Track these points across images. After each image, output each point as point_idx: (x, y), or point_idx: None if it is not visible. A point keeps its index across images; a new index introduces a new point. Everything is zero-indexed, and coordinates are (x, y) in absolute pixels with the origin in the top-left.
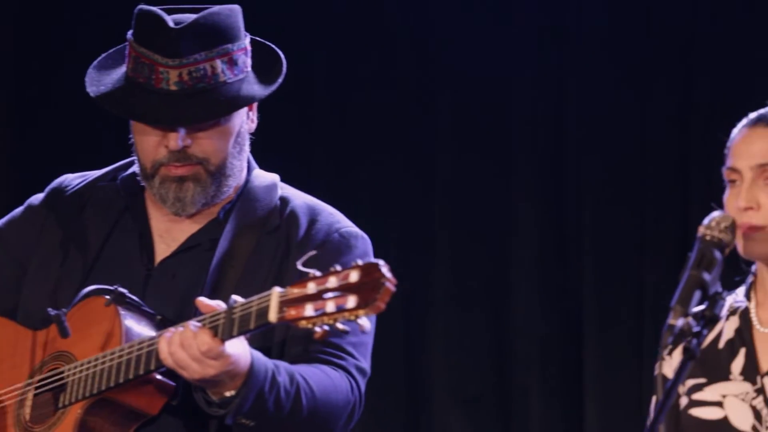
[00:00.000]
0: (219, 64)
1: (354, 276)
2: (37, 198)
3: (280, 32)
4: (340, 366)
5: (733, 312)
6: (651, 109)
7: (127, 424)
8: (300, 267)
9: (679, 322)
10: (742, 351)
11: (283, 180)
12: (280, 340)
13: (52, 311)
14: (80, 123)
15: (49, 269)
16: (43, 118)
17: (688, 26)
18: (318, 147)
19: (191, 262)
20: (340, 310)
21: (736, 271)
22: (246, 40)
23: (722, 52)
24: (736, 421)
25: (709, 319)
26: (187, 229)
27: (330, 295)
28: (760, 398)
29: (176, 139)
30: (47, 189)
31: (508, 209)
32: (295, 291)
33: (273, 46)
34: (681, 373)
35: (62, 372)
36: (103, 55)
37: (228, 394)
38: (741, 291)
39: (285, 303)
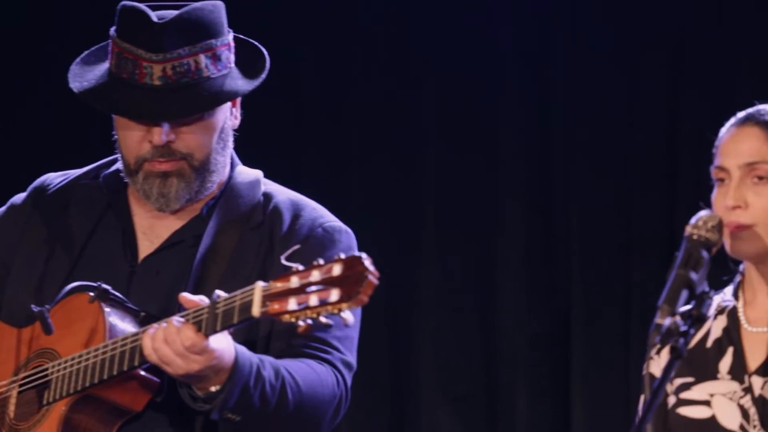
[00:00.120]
0: (203, 59)
1: (337, 269)
2: (19, 197)
3: (267, 30)
4: (325, 360)
5: (721, 311)
6: (638, 109)
7: (112, 420)
8: (283, 261)
9: (667, 322)
10: (730, 350)
11: (271, 178)
12: (265, 334)
13: (35, 308)
14: (62, 123)
15: (33, 268)
16: (25, 118)
17: (677, 26)
18: (307, 146)
19: (175, 258)
20: (324, 303)
21: (723, 271)
22: (229, 36)
23: (711, 52)
24: (723, 420)
25: (696, 319)
26: (170, 225)
27: (313, 288)
28: (748, 397)
29: (160, 134)
30: (29, 188)
31: (496, 209)
32: (279, 285)
33: (256, 43)
34: (668, 372)
35: (46, 369)
36: (86, 51)
37: (213, 389)
38: (729, 290)
39: (268, 297)
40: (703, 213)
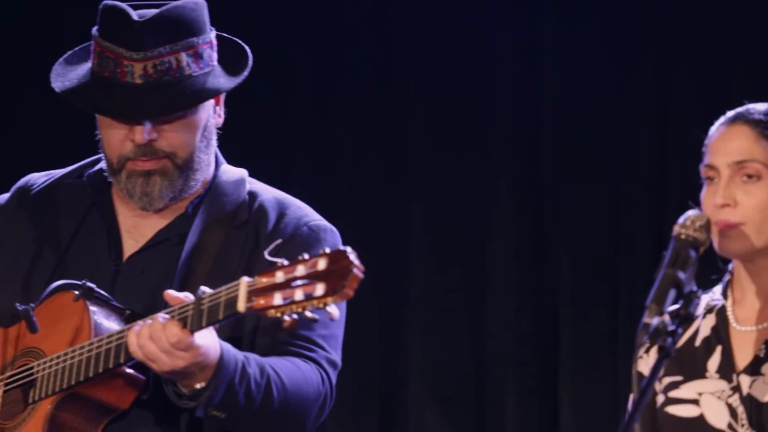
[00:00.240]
0: (184, 57)
1: (322, 264)
2: (3, 198)
3: (256, 29)
4: (310, 358)
5: (710, 310)
6: (627, 109)
7: (98, 418)
8: (267, 257)
9: (654, 321)
10: (719, 349)
11: (259, 178)
12: (251, 330)
13: (20, 306)
14: (46, 124)
15: (18, 267)
16: (8, 119)
17: (666, 25)
18: (295, 146)
19: (160, 257)
20: (309, 298)
21: (712, 270)
22: (211, 34)
23: (699, 51)
24: (712, 418)
25: (684, 318)
26: (155, 224)
27: (298, 283)
28: (736, 396)
29: (142, 133)
30: (13, 188)
31: (485, 208)
32: (264, 280)
33: (239, 41)
34: (656, 372)
35: (32, 368)
36: (70, 51)
37: (198, 386)
38: (718, 289)
39: (253, 292)
40: (691, 212)
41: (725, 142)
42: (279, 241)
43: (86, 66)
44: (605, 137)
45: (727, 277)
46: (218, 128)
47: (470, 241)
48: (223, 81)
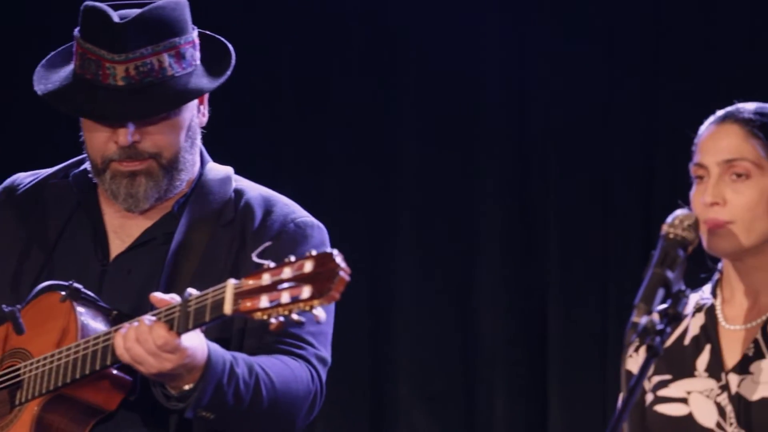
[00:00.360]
0: (166, 58)
1: (308, 266)
2: None
3: (245, 28)
4: (299, 356)
5: (699, 309)
6: (616, 108)
7: (85, 420)
8: (255, 258)
9: (643, 320)
10: (707, 348)
11: (248, 176)
12: (239, 331)
13: (6, 308)
14: (32, 124)
15: (5, 266)
16: None
17: (655, 24)
18: (284, 144)
19: (146, 256)
20: (295, 300)
21: (701, 269)
22: (194, 34)
23: (689, 50)
24: (700, 417)
25: (672, 317)
26: (141, 224)
27: (285, 285)
28: (725, 395)
29: (125, 135)
30: None
31: (474, 207)
32: (250, 282)
33: (222, 39)
34: (644, 371)
35: (19, 369)
36: (52, 53)
37: (186, 387)
38: (707, 288)
39: (240, 295)
40: (679, 212)
41: (715, 140)
42: (268, 243)
43: (69, 68)
44: (594, 136)
45: (716, 276)
46: (202, 127)
47: (459, 241)
48: (206, 81)
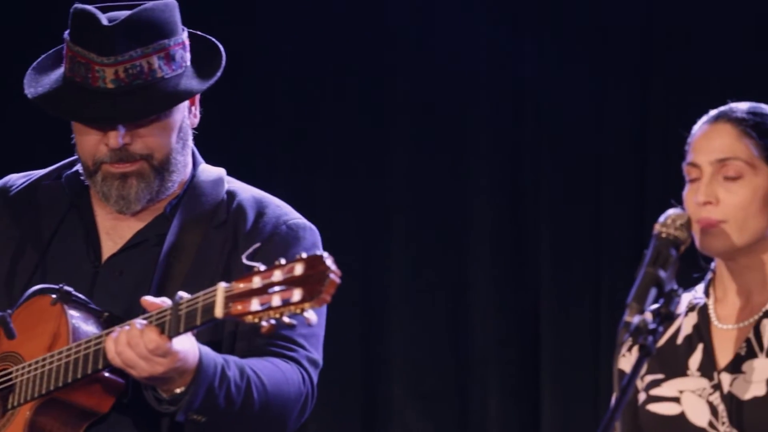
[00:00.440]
0: (155, 60)
1: (299, 269)
2: None
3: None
4: (291, 358)
5: (692, 308)
6: (609, 105)
7: (78, 423)
8: (245, 261)
9: (635, 319)
10: (700, 347)
11: (240, 178)
12: (230, 334)
13: None
14: (26, 125)
15: None
16: None
17: (647, 24)
18: (277, 145)
19: (138, 258)
20: (286, 303)
21: (694, 268)
22: (183, 35)
23: (682, 50)
24: (693, 416)
25: (665, 317)
26: (133, 225)
27: (275, 288)
28: (717, 394)
29: (116, 138)
30: None
31: (465, 207)
32: (241, 286)
33: (213, 39)
34: (636, 370)
35: (10, 373)
36: (42, 56)
37: (178, 390)
38: (700, 288)
39: (231, 298)
40: (671, 211)
41: (708, 140)
42: (258, 245)
43: (59, 71)
44: (586, 135)
45: (709, 276)
46: (194, 128)
47: (451, 240)
48: (195, 82)
